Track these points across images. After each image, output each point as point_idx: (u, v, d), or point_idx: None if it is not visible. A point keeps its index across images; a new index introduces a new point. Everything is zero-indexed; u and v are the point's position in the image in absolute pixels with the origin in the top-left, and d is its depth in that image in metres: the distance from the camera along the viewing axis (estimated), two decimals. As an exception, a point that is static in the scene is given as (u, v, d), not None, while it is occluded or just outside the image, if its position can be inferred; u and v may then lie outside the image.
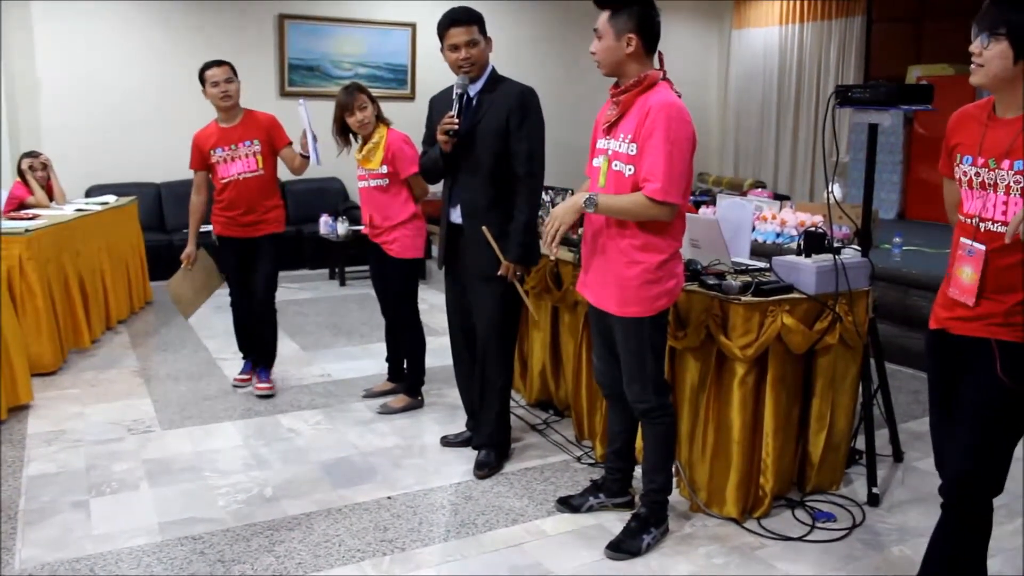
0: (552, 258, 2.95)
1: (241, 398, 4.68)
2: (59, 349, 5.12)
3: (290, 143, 4.62)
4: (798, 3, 10.22)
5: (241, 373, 4.90)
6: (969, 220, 2.29)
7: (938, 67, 8.49)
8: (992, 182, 2.22)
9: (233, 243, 4.61)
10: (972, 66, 2.22)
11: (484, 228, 3.49)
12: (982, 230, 2.25)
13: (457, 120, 3.46)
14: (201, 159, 4.53)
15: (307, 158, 4.50)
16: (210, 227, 4.67)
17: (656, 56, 2.88)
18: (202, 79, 4.45)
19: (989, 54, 2.16)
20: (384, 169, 4.22)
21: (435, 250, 8.36)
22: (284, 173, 4.77)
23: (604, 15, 2.83)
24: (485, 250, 3.52)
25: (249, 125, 4.52)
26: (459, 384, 4.01)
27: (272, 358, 4.85)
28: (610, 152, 2.89)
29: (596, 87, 2.89)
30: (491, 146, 3.50)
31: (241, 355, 4.97)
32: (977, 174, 2.26)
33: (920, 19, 9.24)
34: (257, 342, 4.81)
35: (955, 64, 8.38)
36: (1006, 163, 2.19)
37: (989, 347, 2.24)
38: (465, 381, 3.95)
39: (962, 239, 2.30)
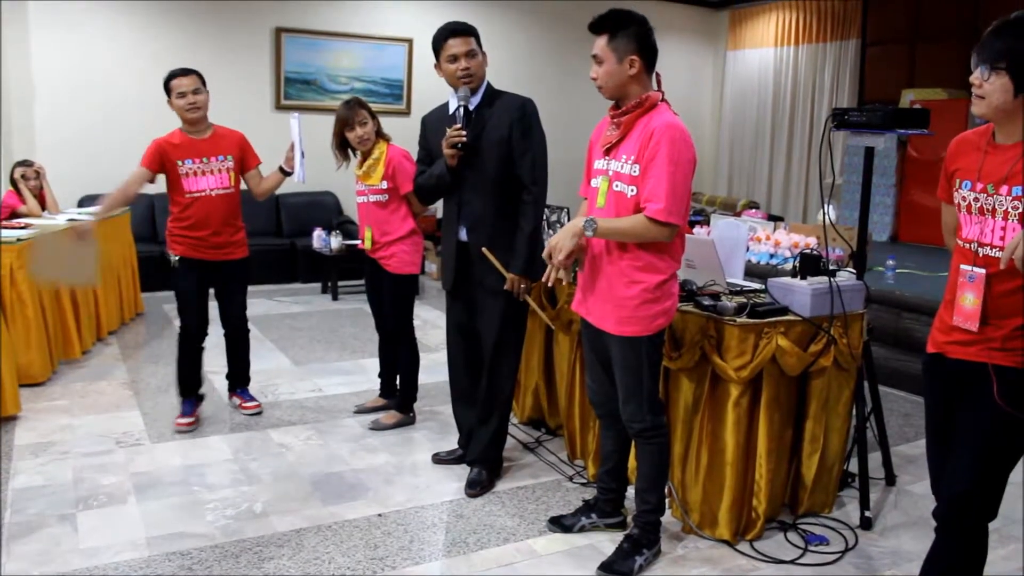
0: (549, 284, 2.94)
1: (231, 412, 4.64)
2: (49, 360, 5.08)
3: (259, 164, 4.45)
4: (793, 25, 10.30)
5: (185, 416, 4.39)
6: (968, 245, 2.31)
7: (932, 91, 8.55)
8: (991, 207, 2.23)
9: (199, 266, 4.29)
10: (973, 97, 2.23)
11: (484, 249, 3.49)
12: (980, 255, 2.26)
13: (465, 132, 3.46)
14: (159, 163, 4.16)
15: (288, 174, 4.38)
16: (173, 255, 4.31)
17: (654, 77, 2.90)
18: (168, 89, 4.19)
19: (990, 87, 2.17)
20: (384, 185, 4.21)
21: (428, 265, 8.45)
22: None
23: (602, 40, 2.84)
24: (494, 264, 3.51)
25: (221, 140, 4.31)
26: (454, 403, 3.98)
27: (249, 377, 4.77)
28: (611, 173, 2.89)
29: (592, 104, 2.89)
30: (496, 158, 3.50)
31: (186, 396, 4.47)
32: (976, 199, 2.28)
33: (914, 43, 9.31)
34: (233, 362, 4.68)
35: (949, 88, 8.44)
36: (1004, 188, 2.20)
37: (987, 371, 2.25)
38: (460, 401, 3.92)
39: (962, 266, 2.31)
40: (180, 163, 4.18)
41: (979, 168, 2.28)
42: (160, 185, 4.31)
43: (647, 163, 2.76)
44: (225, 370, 4.74)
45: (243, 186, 4.44)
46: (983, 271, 2.24)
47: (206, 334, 4.48)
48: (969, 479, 2.30)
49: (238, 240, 4.39)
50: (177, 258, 4.28)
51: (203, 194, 4.23)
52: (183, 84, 4.16)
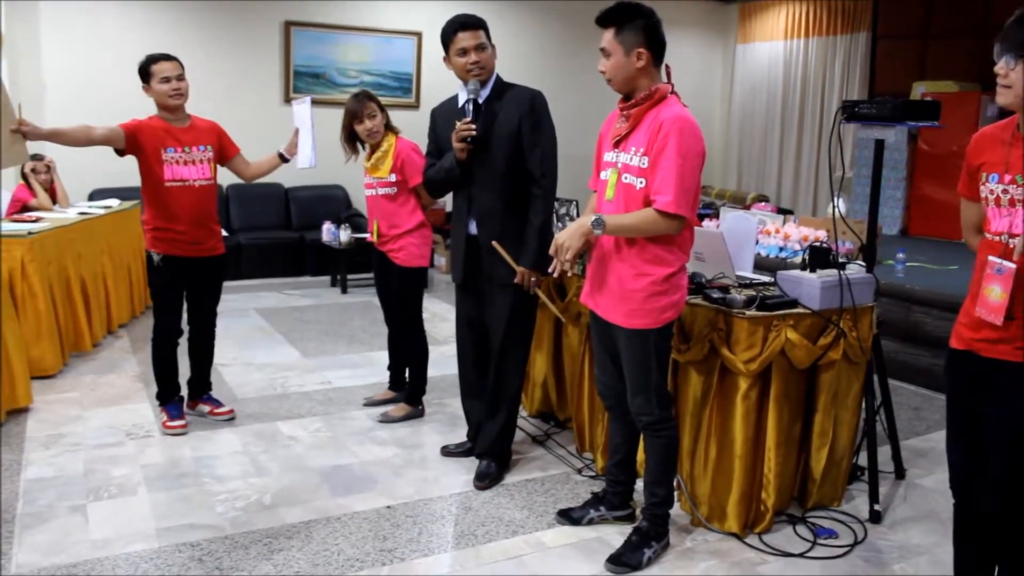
0: (555, 276, 2.95)
1: (241, 404, 4.65)
2: (60, 352, 5.10)
3: (239, 151, 4.34)
4: (803, 18, 10.25)
5: (175, 419, 4.25)
6: (997, 238, 2.28)
7: (943, 84, 8.51)
8: (1021, 198, 2.22)
9: (181, 264, 4.13)
10: (998, 87, 2.21)
11: (495, 243, 3.49)
12: (1010, 246, 2.23)
13: (474, 126, 3.45)
14: (134, 136, 4.00)
15: (286, 160, 4.32)
16: (155, 253, 4.12)
17: (664, 69, 2.89)
18: (146, 74, 4.04)
19: (1016, 76, 2.15)
20: (393, 177, 4.21)
21: (437, 259, 8.45)
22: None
23: (609, 33, 2.83)
24: (503, 257, 3.51)
25: (201, 130, 4.18)
26: (463, 396, 3.98)
27: (211, 382, 4.57)
28: (620, 165, 2.89)
29: (602, 97, 2.88)
30: (505, 152, 3.50)
31: (165, 399, 4.33)
32: (1005, 191, 2.26)
33: (925, 36, 9.26)
34: (202, 365, 4.46)
35: (960, 81, 8.40)
36: None
37: (1015, 370, 2.23)
38: (469, 394, 3.93)
39: (990, 257, 2.28)
40: (163, 151, 4.03)
41: (1006, 160, 2.25)
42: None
43: (656, 155, 2.76)
44: (232, 362, 4.71)
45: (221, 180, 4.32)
46: (1013, 266, 2.21)
47: (182, 332, 4.35)
48: (1007, 491, 2.31)
49: (218, 234, 4.29)
50: (160, 256, 4.11)
51: (185, 184, 4.08)
52: (167, 69, 4.02)
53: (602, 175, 3.00)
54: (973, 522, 2.45)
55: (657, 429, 3.02)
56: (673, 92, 2.87)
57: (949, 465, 2.51)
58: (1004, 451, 2.29)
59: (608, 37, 2.83)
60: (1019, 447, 2.27)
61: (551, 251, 2.87)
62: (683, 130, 2.73)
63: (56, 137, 3.84)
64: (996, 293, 2.25)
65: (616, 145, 2.92)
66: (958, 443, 2.47)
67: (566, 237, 2.82)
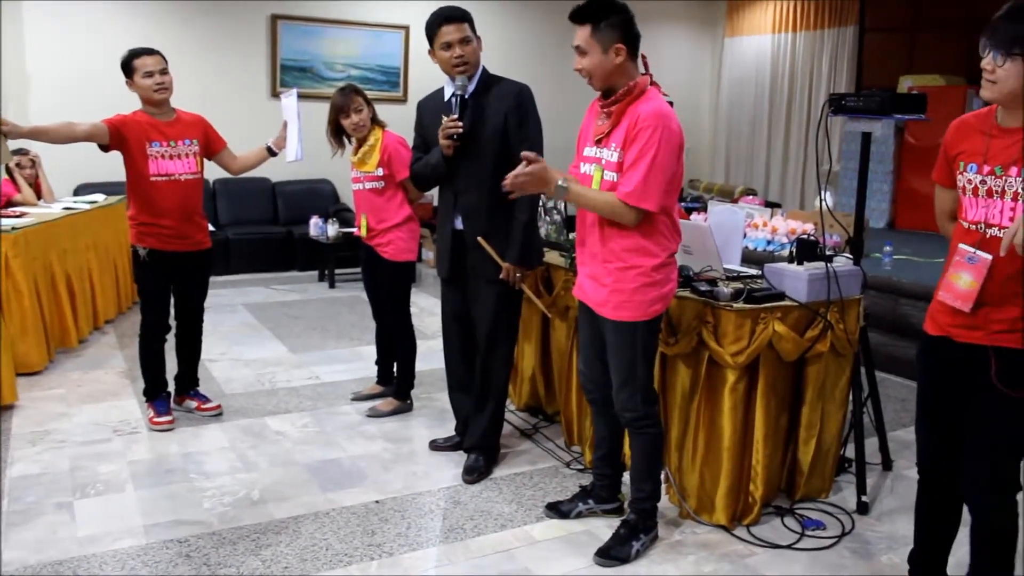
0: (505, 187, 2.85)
1: (229, 400, 4.63)
2: (45, 349, 5.07)
3: (226, 145, 4.33)
4: (791, 12, 10.26)
5: (162, 415, 4.23)
6: (974, 227, 2.30)
7: (929, 77, 8.53)
8: (1000, 189, 2.24)
9: (168, 259, 4.11)
10: (983, 81, 2.22)
11: (480, 239, 3.48)
12: (988, 236, 2.26)
13: (461, 123, 3.44)
14: (118, 132, 3.97)
15: (274, 154, 4.32)
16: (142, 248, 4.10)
17: (640, 60, 2.87)
18: (129, 68, 4.00)
19: (1003, 73, 2.16)
20: (380, 171, 4.19)
21: (425, 253, 8.44)
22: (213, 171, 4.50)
23: (584, 31, 2.78)
24: (488, 253, 3.50)
25: (187, 123, 4.16)
26: (450, 390, 3.97)
27: (198, 377, 4.56)
28: (603, 162, 2.88)
29: (587, 89, 2.88)
30: (492, 147, 3.48)
31: (152, 395, 4.31)
32: (983, 182, 2.27)
33: (912, 30, 9.29)
34: (189, 360, 4.45)
35: (946, 75, 8.43)
36: (1014, 170, 2.21)
37: (995, 355, 2.26)
38: (457, 388, 3.92)
39: (962, 245, 2.30)
40: (148, 145, 4.00)
41: (985, 151, 2.27)
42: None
43: (628, 147, 2.76)
44: (220, 357, 4.69)
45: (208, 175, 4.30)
46: (988, 256, 2.23)
47: (170, 328, 4.33)
48: (992, 487, 2.35)
49: (204, 229, 4.26)
50: (146, 251, 4.09)
51: (171, 178, 4.05)
52: (149, 63, 3.99)
53: (583, 169, 2.98)
54: (936, 499, 2.55)
55: (641, 426, 3.02)
56: (653, 83, 2.86)
57: (918, 446, 2.57)
58: (991, 446, 2.33)
59: (584, 35, 2.79)
60: (1003, 436, 2.30)
61: (515, 172, 2.79)
62: (656, 125, 2.72)
63: (38, 135, 3.80)
64: (965, 281, 2.27)
65: (598, 142, 2.91)
66: (928, 426, 2.52)
67: (534, 179, 2.76)
